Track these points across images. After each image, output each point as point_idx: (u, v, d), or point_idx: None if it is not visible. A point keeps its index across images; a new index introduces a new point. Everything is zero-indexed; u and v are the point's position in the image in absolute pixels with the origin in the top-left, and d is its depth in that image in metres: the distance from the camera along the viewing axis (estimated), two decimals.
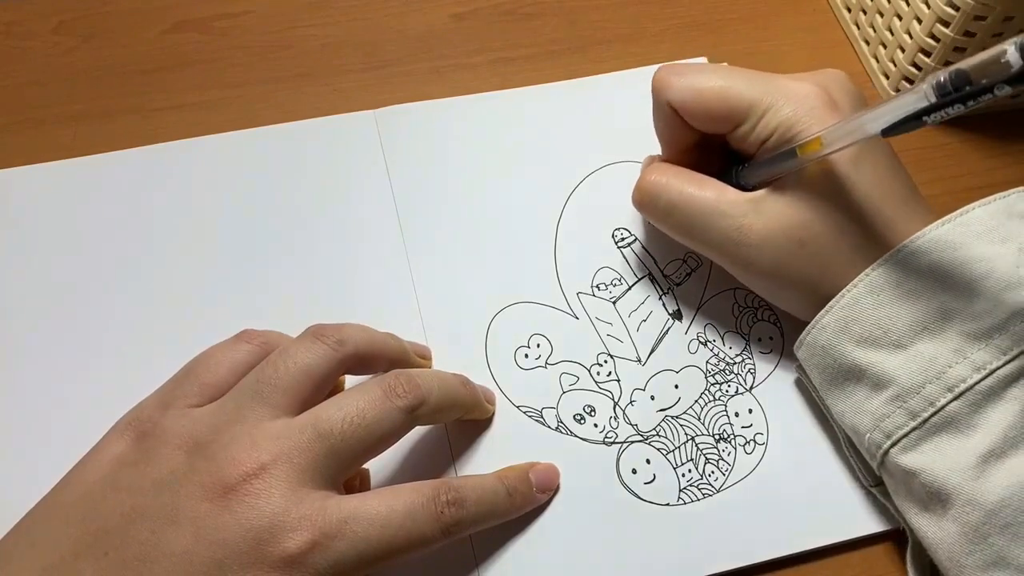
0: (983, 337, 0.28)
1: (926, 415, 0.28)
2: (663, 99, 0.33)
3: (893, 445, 0.29)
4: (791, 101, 0.31)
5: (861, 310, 0.30)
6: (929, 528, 0.29)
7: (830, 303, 0.30)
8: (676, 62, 0.33)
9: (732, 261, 0.33)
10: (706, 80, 0.32)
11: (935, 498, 0.28)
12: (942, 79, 0.23)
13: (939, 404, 0.28)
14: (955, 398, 0.28)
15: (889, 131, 0.26)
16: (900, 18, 0.42)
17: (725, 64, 0.33)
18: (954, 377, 0.28)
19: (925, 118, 0.24)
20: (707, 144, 0.35)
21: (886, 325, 0.29)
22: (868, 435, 0.30)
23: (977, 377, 0.28)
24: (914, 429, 0.29)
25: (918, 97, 0.24)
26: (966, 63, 0.23)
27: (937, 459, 0.28)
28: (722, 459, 0.34)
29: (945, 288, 0.29)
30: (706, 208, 0.32)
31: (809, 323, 0.32)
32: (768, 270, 0.32)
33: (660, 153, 0.37)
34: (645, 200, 0.35)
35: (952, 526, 0.28)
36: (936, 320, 0.29)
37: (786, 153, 0.30)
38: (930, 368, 0.28)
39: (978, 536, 0.27)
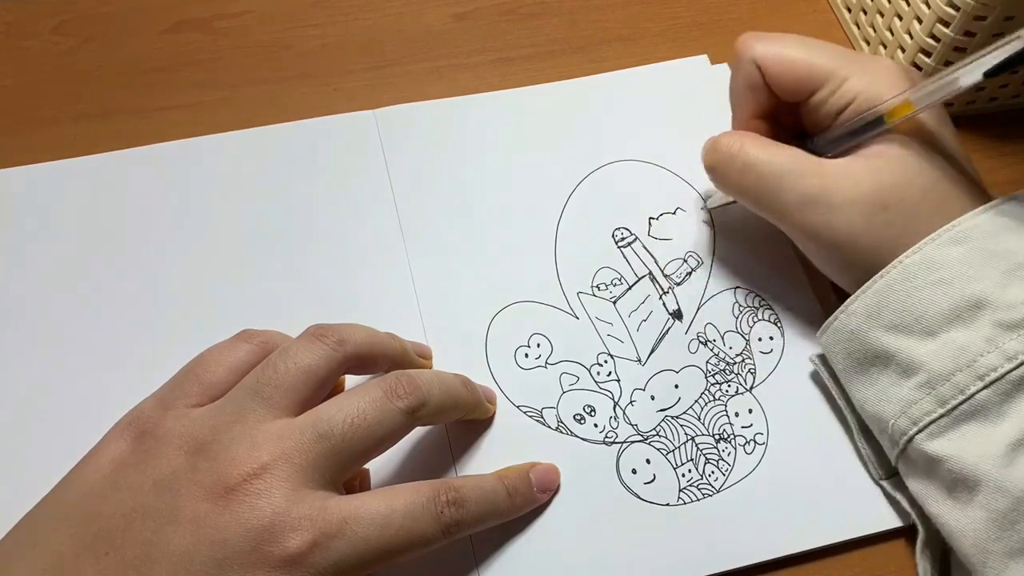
0: (1016, 327, 0.28)
1: (955, 402, 0.28)
2: (748, 57, 0.34)
3: (919, 431, 0.29)
4: (869, 71, 0.32)
5: (894, 296, 0.30)
6: (952, 515, 0.29)
7: (861, 288, 0.31)
8: (756, 32, 0.35)
9: (806, 224, 0.32)
10: (789, 44, 0.33)
11: (961, 485, 0.28)
12: None
13: (969, 392, 0.28)
14: (985, 386, 0.28)
15: (993, 72, 0.27)
16: (900, 18, 0.42)
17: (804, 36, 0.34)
18: (985, 366, 0.28)
19: None
20: (777, 121, 0.35)
21: (918, 312, 0.29)
22: (893, 421, 0.30)
23: (1009, 367, 0.28)
24: (942, 416, 0.29)
25: (1022, 40, 0.26)
26: None
27: (965, 446, 0.28)
28: (722, 459, 0.34)
29: (978, 277, 0.29)
30: (786, 168, 0.32)
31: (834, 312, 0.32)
32: (842, 237, 0.31)
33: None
34: (719, 161, 0.34)
35: (979, 513, 0.28)
36: (968, 309, 0.29)
37: (871, 119, 0.31)
38: (961, 356, 0.28)
39: (1006, 523, 0.27)
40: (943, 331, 0.29)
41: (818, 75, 0.32)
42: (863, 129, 0.32)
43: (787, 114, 0.35)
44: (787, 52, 0.33)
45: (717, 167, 0.35)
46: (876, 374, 0.31)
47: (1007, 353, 0.28)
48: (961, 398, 0.28)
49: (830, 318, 0.32)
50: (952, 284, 0.29)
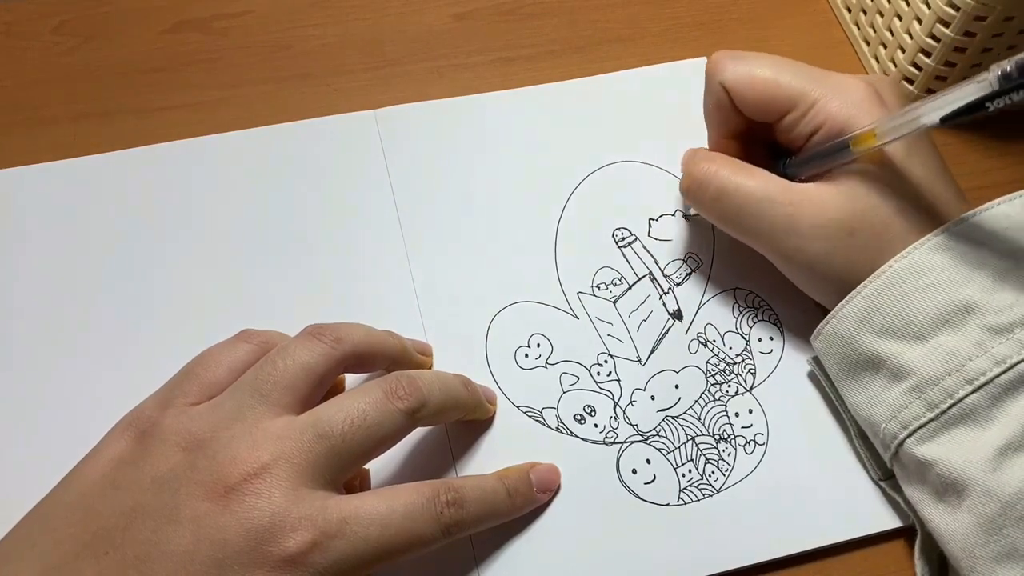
0: (1004, 331, 0.28)
1: (944, 406, 0.28)
2: (717, 81, 0.34)
3: (909, 436, 0.29)
4: (840, 94, 0.31)
5: (884, 301, 0.30)
6: (943, 519, 0.29)
7: (851, 293, 0.31)
8: (731, 50, 0.34)
9: (778, 250, 0.33)
10: (759, 67, 0.33)
11: (951, 489, 0.29)
12: (1008, 68, 0.24)
13: (958, 396, 0.28)
14: (974, 391, 0.28)
15: (948, 119, 0.27)
16: (900, 18, 0.42)
17: (778, 56, 0.34)
18: (974, 370, 0.28)
19: (988, 104, 0.25)
20: (752, 137, 0.35)
21: (908, 316, 0.29)
22: (884, 425, 0.30)
23: (998, 371, 0.28)
24: (931, 420, 0.29)
25: (981, 87, 0.25)
26: None
27: (954, 450, 0.28)
28: (722, 459, 0.34)
29: (968, 282, 0.29)
30: (756, 196, 0.33)
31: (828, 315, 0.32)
32: (815, 260, 0.32)
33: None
34: (694, 187, 0.35)
35: (967, 517, 0.28)
36: (958, 313, 0.29)
37: (838, 145, 0.31)
38: (950, 360, 0.29)
39: (993, 527, 0.27)
40: (932, 335, 0.29)
41: (788, 98, 0.32)
42: (831, 155, 0.31)
43: (763, 129, 0.34)
44: (757, 73, 0.33)
45: (691, 192, 0.35)
46: (868, 378, 0.31)
47: (996, 357, 0.28)
48: (950, 402, 0.28)
49: (822, 323, 0.32)
50: (940, 288, 0.29)
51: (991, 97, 0.25)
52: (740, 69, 0.33)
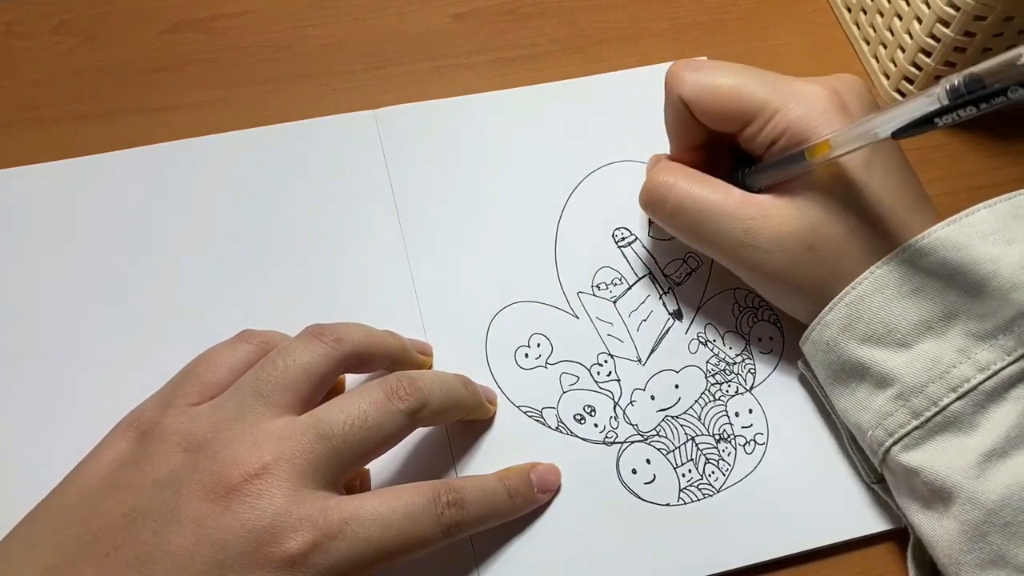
0: (987, 337, 0.28)
1: (929, 414, 0.28)
2: (675, 94, 0.33)
3: (895, 443, 0.29)
4: (801, 103, 0.31)
5: (866, 308, 0.30)
6: (929, 526, 0.29)
7: (835, 299, 0.30)
8: (690, 59, 0.33)
9: (739, 264, 0.33)
10: (719, 77, 0.32)
11: (936, 496, 0.28)
12: (956, 83, 0.23)
13: (942, 404, 0.28)
14: (958, 398, 0.28)
15: (900, 133, 0.26)
16: (900, 18, 0.42)
17: (739, 64, 0.33)
18: (958, 377, 0.28)
19: (937, 120, 0.25)
20: (716, 144, 0.35)
21: (890, 323, 0.29)
22: (870, 432, 0.30)
23: (981, 377, 0.28)
24: (916, 428, 0.29)
25: (930, 100, 0.24)
26: (979, 67, 0.23)
27: (939, 458, 0.28)
28: (722, 459, 0.34)
29: (950, 288, 0.29)
30: (714, 210, 0.32)
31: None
32: (775, 274, 0.32)
33: (665, 152, 0.37)
34: (652, 201, 0.34)
35: (952, 524, 0.28)
36: (940, 320, 0.29)
37: (794, 155, 0.30)
38: (934, 368, 0.28)
39: (977, 535, 0.27)
40: (916, 342, 0.29)
41: (748, 108, 0.31)
42: (787, 165, 0.31)
43: (727, 136, 0.34)
44: (717, 84, 0.32)
45: (650, 206, 0.35)
46: (854, 385, 0.31)
47: (979, 364, 0.28)
48: (934, 410, 0.28)
49: (808, 329, 0.32)
50: (923, 295, 0.29)
51: (939, 113, 0.24)
52: (699, 80, 0.32)
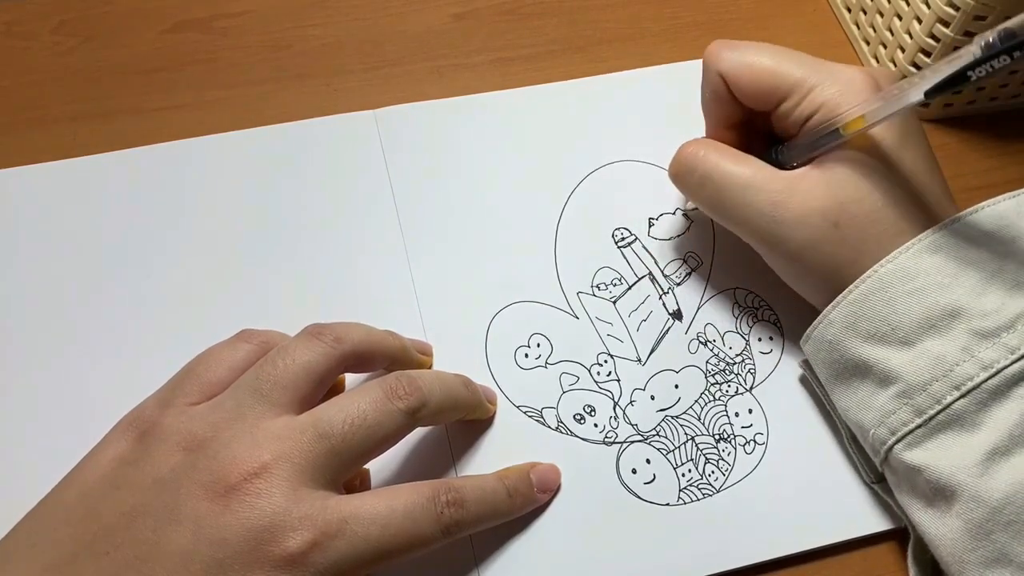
0: (991, 335, 0.28)
1: (932, 412, 0.28)
2: (714, 70, 0.33)
3: (898, 442, 0.29)
4: (837, 82, 0.31)
5: (869, 306, 0.30)
6: (932, 524, 0.29)
7: (838, 298, 0.30)
8: (727, 40, 0.34)
9: (762, 239, 0.33)
10: (757, 55, 0.33)
11: (939, 495, 0.28)
12: (991, 39, 0.25)
13: (945, 402, 0.28)
14: (961, 396, 0.28)
15: (932, 92, 0.26)
16: (900, 18, 0.42)
17: (776, 45, 0.34)
18: (961, 375, 0.28)
19: (970, 72, 0.25)
20: (751, 126, 0.35)
21: (894, 321, 0.29)
22: (872, 431, 0.30)
23: (984, 376, 0.28)
24: (919, 426, 0.29)
25: (964, 58, 0.25)
26: (1012, 22, 0.24)
27: (942, 456, 0.28)
28: (722, 459, 0.34)
29: (953, 286, 0.29)
30: (740, 182, 0.32)
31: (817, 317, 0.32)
32: (797, 251, 0.31)
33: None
34: (680, 171, 0.35)
35: (956, 522, 0.28)
36: (944, 318, 0.29)
37: (828, 131, 0.31)
38: (937, 366, 0.28)
39: (981, 533, 0.27)
40: (919, 341, 0.29)
41: (785, 85, 0.32)
42: (821, 141, 0.31)
43: (761, 119, 0.34)
44: (754, 62, 0.33)
45: (677, 176, 0.35)
46: (856, 384, 0.31)
47: (983, 362, 0.28)
48: (938, 408, 0.28)
49: (810, 328, 0.32)
50: (927, 293, 0.29)
51: (972, 66, 0.25)
52: (737, 58, 0.33)
